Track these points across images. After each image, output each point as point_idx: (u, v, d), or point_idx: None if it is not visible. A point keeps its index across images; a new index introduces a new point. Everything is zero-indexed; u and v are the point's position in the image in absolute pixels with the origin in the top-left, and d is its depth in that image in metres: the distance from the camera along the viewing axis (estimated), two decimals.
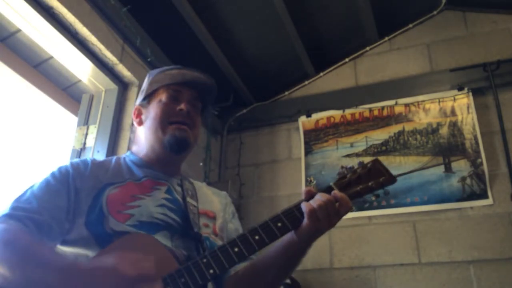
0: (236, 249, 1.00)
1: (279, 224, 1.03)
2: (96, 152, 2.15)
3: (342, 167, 2.83)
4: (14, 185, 2.10)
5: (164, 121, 1.23)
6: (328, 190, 1.07)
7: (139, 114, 1.32)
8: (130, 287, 0.88)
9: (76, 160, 1.24)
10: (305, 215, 1.02)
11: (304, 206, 1.03)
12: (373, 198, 1.13)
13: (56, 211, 1.08)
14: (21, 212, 1.04)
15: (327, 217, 1.02)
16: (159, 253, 1.01)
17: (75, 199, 1.11)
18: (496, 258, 2.34)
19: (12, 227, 1.00)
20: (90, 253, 1.04)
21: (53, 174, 1.16)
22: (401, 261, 2.49)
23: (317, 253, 2.65)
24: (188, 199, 1.21)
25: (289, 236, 1.07)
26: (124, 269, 0.89)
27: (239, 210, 2.91)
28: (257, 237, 1.02)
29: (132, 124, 1.36)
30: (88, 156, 2.16)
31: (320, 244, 2.68)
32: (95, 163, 1.22)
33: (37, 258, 0.94)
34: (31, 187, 1.13)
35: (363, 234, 2.62)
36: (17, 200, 1.09)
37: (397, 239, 2.55)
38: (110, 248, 1.01)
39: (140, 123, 1.30)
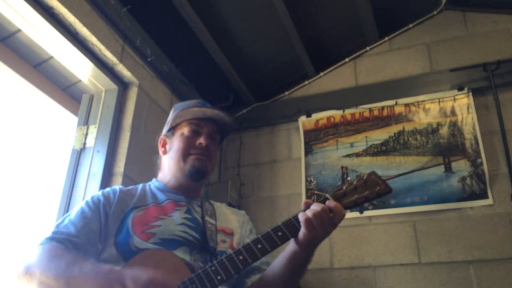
0: (240, 257, 1.11)
1: (280, 234, 1.14)
2: (96, 152, 2.15)
3: (342, 167, 2.83)
4: (14, 185, 2.10)
5: (186, 153, 1.40)
6: (324, 201, 1.16)
7: (164, 144, 1.50)
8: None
9: (107, 189, 1.40)
10: (302, 224, 1.12)
11: (300, 215, 1.13)
12: (370, 207, 1.20)
13: (91, 235, 1.25)
14: (62, 235, 1.22)
15: (322, 225, 1.11)
16: (174, 264, 1.16)
17: (105, 223, 1.28)
18: (496, 258, 2.34)
19: (55, 247, 1.18)
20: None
21: (87, 203, 1.34)
22: (401, 261, 2.49)
23: (317, 253, 2.61)
24: (207, 218, 1.36)
25: (291, 246, 1.18)
26: (150, 272, 1.02)
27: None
28: (259, 246, 1.12)
29: (158, 153, 1.54)
30: (88, 156, 2.16)
31: (320, 244, 2.67)
32: (123, 190, 1.39)
33: (80, 268, 1.09)
34: (68, 215, 1.30)
35: (363, 234, 2.62)
36: (57, 226, 1.27)
37: (397, 239, 2.55)
38: (132, 260, 1.18)
39: (165, 152, 1.48)
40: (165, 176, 1.46)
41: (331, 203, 1.13)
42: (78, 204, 1.36)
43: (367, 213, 2.64)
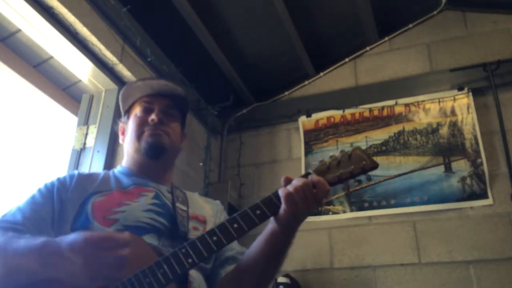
0: (214, 238, 1.00)
1: (258, 212, 1.04)
2: (96, 152, 2.15)
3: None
4: (14, 185, 2.10)
5: (139, 132, 1.31)
6: (306, 175, 1.08)
7: (123, 132, 1.41)
8: (96, 250, 0.89)
9: (64, 175, 1.28)
10: (283, 200, 1.03)
11: (281, 191, 1.04)
12: (355, 184, 1.14)
13: (41, 222, 1.12)
14: (6, 224, 1.10)
15: (305, 201, 1.02)
16: (140, 247, 1.02)
17: (60, 209, 1.16)
18: (496, 258, 2.34)
19: None
20: None
21: (39, 190, 1.22)
22: (401, 261, 2.49)
23: (317, 253, 2.65)
24: (178, 204, 1.24)
25: (270, 227, 1.08)
26: (88, 233, 0.93)
27: (239, 210, 2.90)
28: (235, 225, 1.02)
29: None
30: (88, 156, 2.16)
31: (320, 244, 2.68)
32: (82, 175, 1.27)
33: (13, 247, 0.97)
34: (18, 204, 1.18)
35: (363, 234, 2.62)
36: (4, 215, 1.15)
37: (397, 239, 2.55)
38: None
39: (124, 139, 1.39)
40: (127, 161, 1.36)
41: (314, 177, 1.05)
42: (30, 192, 1.24)
43: (367, 213, 2.64)
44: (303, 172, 2.90)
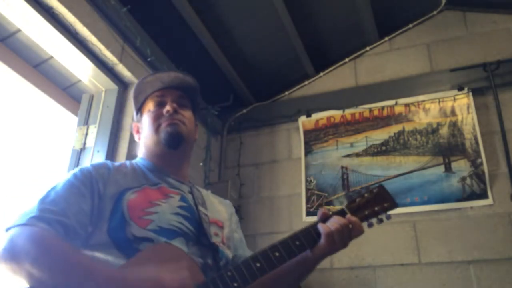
0: (258, 264, 1.07)
1: (297, 243, 1.12)
2: (96, 152, 2.15)
3: (342, 167, 2.83)
4: (14, 185, 2.10)
5: (156, 125, 1.31)
6: (341, 213, 1.19)
7: (138, 130, 1.41)
8: None
9: (98, 163, 1.27)
10: (323, 237, 1.12)
11: (322, 228, 1.13)
12: (375, 222, 1.23)
13: (81, 215, 1.09)
14: (49, 214, 1.04)
15: (342, 240, 1.13)
16: (187, 263, 1.04)
17: (98, 203, 1.13)
18: (496, 258, 2.34)
19: (45, 232, 1.00)
20: (110, 258, 1.05)
21: (75, 175, 1.17)
22: (401, 261, 2.49)
23: None
24: (200, 208, 1.27)
25: (304, 253, 1.15)
26: (167, 282, 0.92)
27: (239, 210, 2.91)
28: (277, 254, 1.10)
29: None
30: (88, 156, 2.16)
31: None
32: (114, 167, 1.26)
33: (79, 269, 0.94)
34: (54, 188, 1.13)
35: (363, 234, 2.62)
36: (42, 201, 1.08)
37: (397, 239, 2.55)
38: (139, 257, 1.05)
39: (140, 137, 1.40)
40: (147, 154, 1.35)
41: (351, 218, 1.16)
42: (64, 177, 1.18)
43: None
44: (303, 172, 2.90)
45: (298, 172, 2.92)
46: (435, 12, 3.03)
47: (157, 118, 1.32)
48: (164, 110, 1.31)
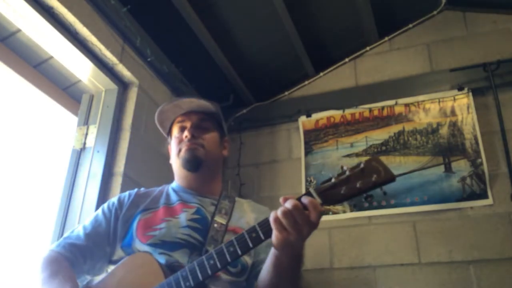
0: (211, 262, 1.06)
1: (253, 235, 1.03)
2: (96, 152, 2.15)
3: (342, 167, 2.82)
4: (14, 185, 2.10)
5: (177, 150, 1.45)
6: (307, 195, 1.00)
7: (169, 153, 1.55)
8: None
9: (125, 193, 1.45)
10: (271, 224, 0.98)
11: (271, 215, 1.00)
12: (368, 199, 1.05)
13: (98, 237, 1.31)
14: (68, 240, 1.31)
15: (294, 225, 0.96)
16: (149, 269, 1.15)
17: (114, 226, 1.33)
18: (496, 258, 2.34)
19: (55, 255, 1.26)
20: None
21: (102, 208, 1.40)
22: (401, 261, 2.49)
23: (317, 253, 2.65)
24: (217, 218, 1.33)
25: (273, 250, 1.08)
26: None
27: None
28: (231, 249, 1.05)
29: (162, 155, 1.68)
30: (88, 156, 2.16)
31: (320, 244, 2.68)
32: (139, 193, 1.44)
33: (52, 280, 1.17)
34: (84, 222, 1.39)
35: (363, 234, 2.62)
36: (72, 231, 1.37)
37: (397, 239, 2.55)
38: (117, 266, 1.22)
39: (171, 159, 1.53)
40: (176, 177, 1.50)
41: (305, 199, 0.97)
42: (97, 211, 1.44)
43: (367, 213, 2.64)
44: (303, 172, 2.90)
45: (298, 172, 2.92)
46: (435, 12, 3.03)
47: (178, 143, 1.45)
48: (183, 135, 1.43)
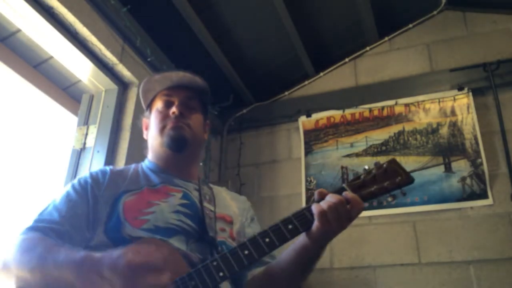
0: (246, 252, 1.00)
1: (290, 227, 1.02)
2: (96, 152, 2.15)
3: (342, 167, 2.83)
4: (14, 185, 2.10)
5: (161, 127, 1.31)
6: (340, 191, 1.05)
7: (146, 127, 1.43)
8: (135, 274, 0.89)
9: (96, 170, 1.29)
10: (316, 217, 1.01)
11: (314, 208, 1.02)
12: (390, 199, 1.11)
13: (76, 221, 1.13)
14: (43, 223, 1.11)
15: (338, 219, 1.01)
16: (171, 255, 1.03)
17: (93, 208, 1.16)
18: (496, 258, 2.34)
19: (32, 237, 1.07)
20: None
21: (73, 186, 1.22)
22: (401, 261, 2.49)
23: None
24: (205, 204, 1.25)
25: (302, 240, 1.07)
26: (129, 256, 0.90)
27: None
28: (267, 240, 1.01)
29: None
30: (88, 156, 2.16)
31: None
32: (114, 171, 1.28)
33: (54, 258, 0.97)
34: (53, 201, 1.19)
35: (363, 234, 2.62)
36: (40, 213, 1.16)
37: (397, 239, 2.55)
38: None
39: (147, 135, 1.41)
40: (153, 156, 1.37)
41: (348, 194, 1.02)
42: (64, 188, 1.24)
43: (367, 213, 2.64)
44: (303, 172, 2.90)
45: (298, 172, 2.92)
46: (435, 12, 3.03)
47: (162, 119, 1.32)
48: (170, 112, 1.31)
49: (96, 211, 1.16)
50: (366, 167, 1.09)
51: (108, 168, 1.30)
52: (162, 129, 1.31)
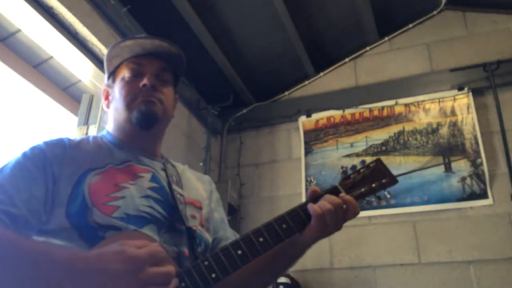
0: (239, 252, 0.94)
1: (284, 226, 0.99)
2: None
3: (342, 167, 2.83)
4: None
5: (129, 99, 1.14)
6: (334, 190, 1.05)
7: (107, 96, 1.24)
8: (142, 269, 0.79)
9: (51, 140, 1.09)
10: (313, 220, 0.99)
11: (312, 210, 0.99)
12: (374, 200, 1.11)
13: (33, 202, 0.95)
14: None
15: (336, 222, 1.00)
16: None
17: (53, 188, 0.99)
18: (496, 258, 2.34)
19: None
20: (73, 245, 0.94)
21: (25, 156, 1.04)
22: (401, 261, 2.49)
23: (317, 253, 2.65)
24: (174, 187, 1.12)
25: (291, 237, 1.02)
26: (133, 250, 0.81)
27: (239, 210, 2.91)
28: (261, 239, 0.96)
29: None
30: None
31: (320, 244, 2.65)
32: (72, 144, 1.10)
33: (33, 254, 0.83)
34: (1, 171, 1.00)
35: (363, 234, 2.62)
36: None
37: (397, 239, 2.55)
38: (106, 241, 0.92)
39: (108, 105, 1.22)
40: (115, 130, 1.19)
41: (345, 197, 1.01)
42: (12, 157, 1.05)
43: (367, 213, 2.64)
44: (303, 172, 2.90)
45: (298, 172, 2.93)
46: (435, 12, 3.03)
47: (131, 91, 1.14)
48: (141, 83, 1.14)
49: (55, 192, 0.99)
50: (357, 165, 1.12)
51: (66, 139, 1.11)
52: (130, 103, 1.13)
